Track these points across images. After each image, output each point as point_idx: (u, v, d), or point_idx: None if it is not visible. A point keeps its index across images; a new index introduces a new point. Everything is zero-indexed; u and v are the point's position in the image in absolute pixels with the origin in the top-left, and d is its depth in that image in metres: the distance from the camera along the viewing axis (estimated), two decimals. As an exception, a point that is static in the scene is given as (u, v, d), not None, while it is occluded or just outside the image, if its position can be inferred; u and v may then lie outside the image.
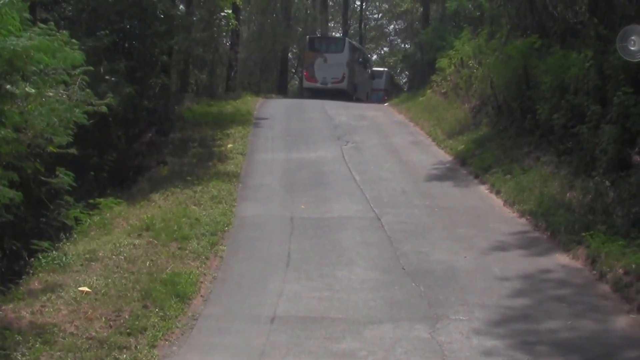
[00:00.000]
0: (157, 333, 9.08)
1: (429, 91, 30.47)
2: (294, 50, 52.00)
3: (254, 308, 10.12)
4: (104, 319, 9.26)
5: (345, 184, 17.30)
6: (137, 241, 12.44)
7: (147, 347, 8.71)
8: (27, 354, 8.31)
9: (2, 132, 9.94)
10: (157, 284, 10.42)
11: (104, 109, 13.18)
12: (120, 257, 11.59)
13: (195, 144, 21.90)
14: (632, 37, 12.63)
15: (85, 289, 10.11)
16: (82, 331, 8.89)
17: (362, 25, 64.53)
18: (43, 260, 11.52)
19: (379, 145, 21.92)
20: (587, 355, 8.63)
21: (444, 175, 18.22)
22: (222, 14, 28.23)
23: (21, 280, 11.17)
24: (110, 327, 9.10)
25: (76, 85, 11.84)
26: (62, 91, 11.44)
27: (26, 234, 13.90)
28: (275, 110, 29.33)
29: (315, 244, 12.92)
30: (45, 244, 12.44)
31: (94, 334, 8.85)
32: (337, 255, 12.31)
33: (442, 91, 28.60)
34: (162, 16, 23.25)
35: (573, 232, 12.56)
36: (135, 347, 8.68)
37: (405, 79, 56.62)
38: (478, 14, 29.77)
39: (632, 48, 12.66)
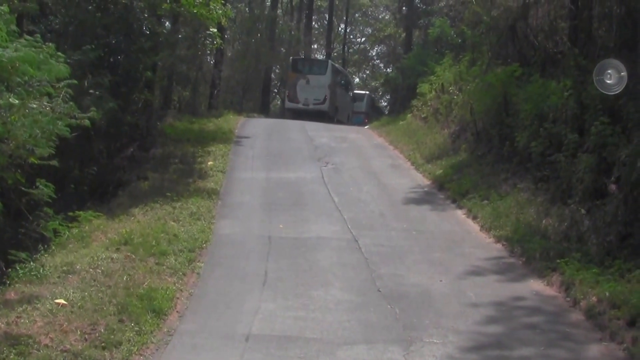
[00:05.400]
0: (132, 348, 9.07)
1: (409, 115, 30.65)
2: (277, 71, 52.17)
3: (229, 326, 10.13)
4: (79, 332, 9.21)
5: (323, 204, 17.36)
6: (114, 255, 12.41)
7: (121, 362, 8.72)
8: (0, 364, 8.27)
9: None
10: (133, 298, 10.40)
11: (86, 122, 13.21)
12: (98, 270, 11.55)
13: (176, 161, 21.92)
14: (609, 71, 12.81)
15: (62, 301, 10.06)
16: (57, 343, 8.83)
17: (345, 49, 64.96)
18: (20, 271, 11.49)
19: (358, 167, 22.02)
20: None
21: (422, 199, 18.32)
22: (207, 32, 28.33)
23: (-3, 291, 11.12)
24: (86, 340, 9.06)
25: (60, 97, 11.87)
26: (45, 103, 11.47)
27: (4, 244, 13.83)
28: (256, 129, 29.38)
29: (292, 264, 12.95)
30: (23, 255, 12.42)
31: (68, 346, 8.79)
32: (313, 275, 12.35)
33: (423, 116, 28.77)
34: (147, 32, 23.38)
35: (548, 259, 12.68)
36: (110, 361, 8.67)
37: (386, 103, 56.90)
38: (460, 41, 30.01)
39: (609, 81, 12.85)
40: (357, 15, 68.04)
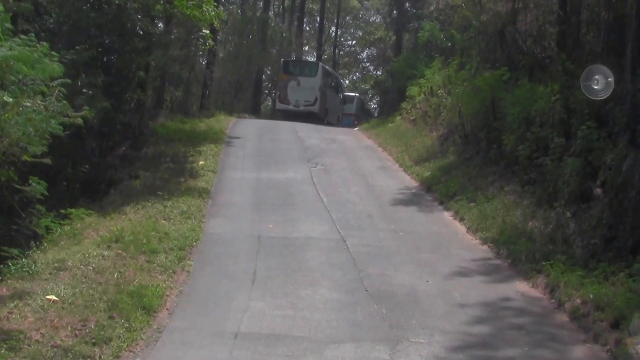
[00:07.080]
0: (122, 344, 9.16)
1: (398, 118, 30.79)
2: (268, 72, 52.21)
3: (218, 323, 10.22)
4: (69, 328, 9.29)
5: (312, 205, 17.48)
6: (106, 252, 12.50)
7: (111, 358, 8.80)
8: (-9, 359, 8.33)
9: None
10: (123, 295, 10.49)
11: (79, 121, 13.20)
12: (89, 267, 11.63)
13: (167, 160, 21.98)
14: (596, 77, 12.86)
15: (53, 297, 10.12)
16: (48, 339, 8.90)
17: (336, 51, 65.05)
18: (12, 267, 11.52)
19: (347, 168, 22.14)
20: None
21: (410, 200, 18.45)
22: (200, 33, 28.43)
23: (-11, 287, 11.17)
24: (76, 336, 9.13)
25: (53, 96, 11.87)
26: (39, 102, 11.44)
27: (-3, 241, 13.90)
28: (247, 130, 29.46)
29: (281, 263, 13.04)
30: (15, 251, 12.42)
31: (59, 342, 8.86)
32: (302, 274, 12.45)
33: (411, 118, 28.92)
34: (141, 33, 23.41)
35: (533, 261, 12.81)
36: (100, 357, 8.75)
37: (376, 105, 56.99)
38: (449, 44, 30.17)
39: (596, 87, 12.91)
40: (348, 18, 68.15)
